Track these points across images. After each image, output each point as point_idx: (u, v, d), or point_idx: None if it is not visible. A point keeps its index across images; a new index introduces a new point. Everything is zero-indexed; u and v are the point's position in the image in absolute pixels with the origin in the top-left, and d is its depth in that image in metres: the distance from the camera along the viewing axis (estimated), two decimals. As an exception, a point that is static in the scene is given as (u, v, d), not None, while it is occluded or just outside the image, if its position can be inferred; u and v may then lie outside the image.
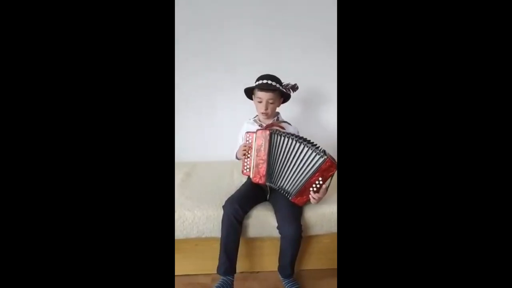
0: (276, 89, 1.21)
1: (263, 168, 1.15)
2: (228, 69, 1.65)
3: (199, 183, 1.44)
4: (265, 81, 1.21)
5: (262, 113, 1.24)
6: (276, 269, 1.20)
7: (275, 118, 1.30)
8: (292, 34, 1.62)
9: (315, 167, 1.06)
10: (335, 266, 1.27)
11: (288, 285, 1.15)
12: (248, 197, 1.20)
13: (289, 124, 1.31)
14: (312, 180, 1.08)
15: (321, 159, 1.04)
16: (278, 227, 1.13)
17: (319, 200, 1.10)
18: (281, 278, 1.18)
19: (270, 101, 1.22)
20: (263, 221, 1.18)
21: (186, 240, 1.21)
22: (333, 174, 1.06)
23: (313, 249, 1.28)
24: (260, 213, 1.19)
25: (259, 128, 1.19)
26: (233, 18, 1.60)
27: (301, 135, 1.25)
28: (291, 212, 1.13)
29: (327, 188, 1.10)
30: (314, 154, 1.06)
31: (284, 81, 1.28)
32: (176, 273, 1.23)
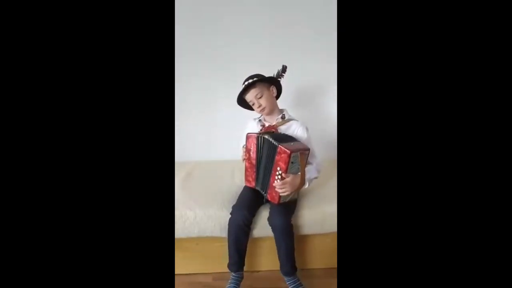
0: (254, 82, 1.18)
1: (252, 173, 1.17)
2: (228, 69, 1.65)
3: (200, 183, 1.44)
4: (242, 87, 1.21)
5: (260, 111, 1.24)
6: (277, 269, 1.19)
7: (280, 115, 1.26)
8: (292, 34, 1.62)
9: (272, 159, 1.07)
10: (335, 266, 1.27)
11: (292, 285, 1.14)
12: (254, 200, 1.21)
13: (296, 120, 1.27)
14: (273, 173, 1.08)
15: (274, 150, 1.05)
16: (268, 219, 1.14)
17: (290, 189, 1.05)
18: (284, 278, 1.17)
19: (258, 96, 1.20)
20: (264, 221, 1.18)
21: (187, 239, 1.21)
22: (291, 161, 1.02)
23: (313, 248, 1.29)
24: (261, 214, 1.19)
25: (252, 132, 1.18)
26: (233, 18, 1.60)
27: (307, 133, 1.23)
28: (282, 206, 1.14)
29: (294, 175, 1.06)
30: (271, 145, 1.07)
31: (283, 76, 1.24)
32: (177, 272, 1.24)
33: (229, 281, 1.15)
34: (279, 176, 1.06)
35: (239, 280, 1.16)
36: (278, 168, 1.05)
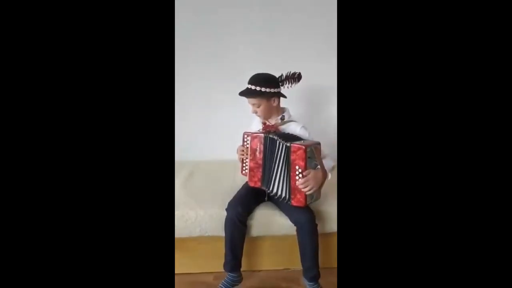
0: (254, 95, 1.14)
1: (258, 173, 1.15)
2: (228, 69, 1.66)
3: (202, 182, 1.45)
4: (246, 87, 1.16)
5: (257, 115, 1.22)
6: (277, 268, 1.20)
7: (280, 116, 1.23)
8: (292, 34, 1.62)
9: (285, 158, 1.04)
10: (335, 265, 1.27)
11: None
12: (250, 197, 1.20)
13: (295, 121, 1.24)
14: (292, 174, 1.04)
15: (287, 150, 1.02)
16: (290, 219, 1.11)
17: (314, 185, 1.02)
18: (307, 284, 1.12)
19: (256, 105, 1.17)
20: (264, 220, 1.19)
21: (189, 239, 1.22)
22: (308, 156, 1.01)
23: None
24: (262, 212, 1.20)
25: (255, 131, 1.17)
26: (234, 18, 1.61)
27: (307, 132, 1.21)
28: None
29: (315, 170, 1.03)
30: (281, 146, 1.05)
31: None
32: (178, 272, 1.24)
33: (223, 281, 1.14)
34: (300, 175, 1.03)
35: (234, 282, 1.14)
36: (297, 167, 1.02)
